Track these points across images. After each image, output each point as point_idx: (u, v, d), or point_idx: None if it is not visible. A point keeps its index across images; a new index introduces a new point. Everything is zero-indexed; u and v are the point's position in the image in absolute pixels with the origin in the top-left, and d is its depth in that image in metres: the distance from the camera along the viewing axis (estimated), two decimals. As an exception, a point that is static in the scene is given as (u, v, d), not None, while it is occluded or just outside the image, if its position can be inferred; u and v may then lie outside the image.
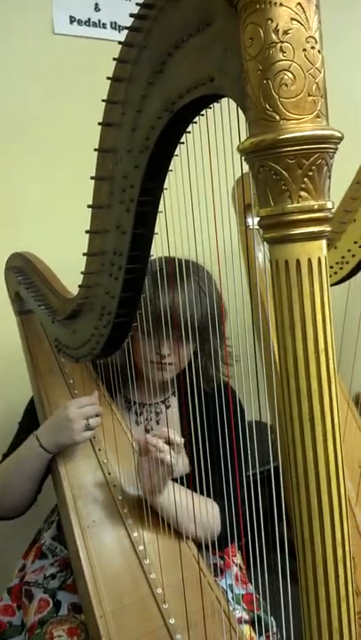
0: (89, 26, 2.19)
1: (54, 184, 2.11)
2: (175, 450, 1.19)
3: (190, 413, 1.26)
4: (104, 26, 2.21)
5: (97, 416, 1.29)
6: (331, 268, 1.72)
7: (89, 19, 2.18)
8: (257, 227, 1.84)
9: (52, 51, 2.11)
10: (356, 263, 1.74)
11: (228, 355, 1.41)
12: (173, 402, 1.50)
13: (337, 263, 1.76)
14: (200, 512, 1.25)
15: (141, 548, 1.21)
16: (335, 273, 1.74)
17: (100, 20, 2.20)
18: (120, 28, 2.23)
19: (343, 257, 1.76)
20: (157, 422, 1.48)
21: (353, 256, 1.74)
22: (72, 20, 2.15)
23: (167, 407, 1.49)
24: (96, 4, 2.19)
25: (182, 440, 1.19)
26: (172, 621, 1.10)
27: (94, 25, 2.19)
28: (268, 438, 0.91)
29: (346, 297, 1.78)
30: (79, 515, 1.24)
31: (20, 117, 2.07)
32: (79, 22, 2.16)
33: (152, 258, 1.00)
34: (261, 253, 1.92)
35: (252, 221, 1.85)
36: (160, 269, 1.20)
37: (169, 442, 1.18)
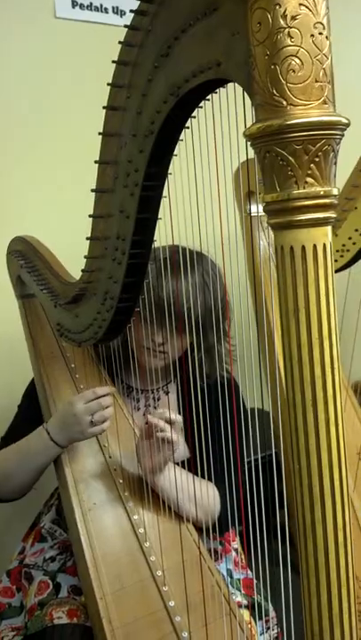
0: (91, 10, 2.18)
1: (56, 169, 2.11)
2: (175, 428, 1.20)
3: (192, 399, 1.26)
4: (106, 10, 2.20)
5: (107, 408, 1.27)
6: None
7: (91, 3, 2.17)
8: (257, 214, 1.85)
9: (53, 35, 2.10)
10: (356, 251, 1.74)
11: (229, 348, 1.41)
12: (172, 388, 1.51)
13: (338, 251, 1.76)
14: (200, 494, 1.26)
15: (142, 530, 1.22)
16: (335, 261, 1.73)
17: (102, 5, 2.19)
18: (122, 13, 2.21)
19: (344, 245, 1.76)
20: (156, 408, 1.48)
21: (354, 244, 1.74)
22: (74, 3, 2.13)
23: (166, 393, 1.50)
24: (98, -12, 2.18)
25: (181, 418, 1.20)
26: (171, 604, 1.11)
27: (96, 9, 2.18)
28: (271, 426, 0.92)
29: (346, 285, 1.78)
30: (80, 498, 1.24)
31: (21, 101, 2.06)
32: (81, 6, 2.15)
33: (159, 245, 1.00)
34: (263, 240, 1.92)
35: (256, 208, 1.84)
36: (166, 258, 1.19)
37: (170, 422, 1.19)
